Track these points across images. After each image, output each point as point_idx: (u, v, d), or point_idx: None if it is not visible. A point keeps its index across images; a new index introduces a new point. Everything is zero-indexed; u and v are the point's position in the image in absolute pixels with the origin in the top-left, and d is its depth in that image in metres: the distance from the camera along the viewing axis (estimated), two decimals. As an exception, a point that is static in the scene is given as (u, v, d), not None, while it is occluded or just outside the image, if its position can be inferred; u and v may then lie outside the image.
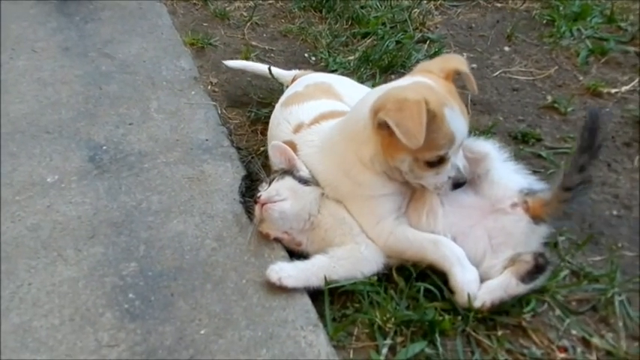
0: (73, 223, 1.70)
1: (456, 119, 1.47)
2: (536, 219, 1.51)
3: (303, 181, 1.65)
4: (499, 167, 1.58)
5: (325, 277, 1.51)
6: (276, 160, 1.72)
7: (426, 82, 1.52)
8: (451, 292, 1.49)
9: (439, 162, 1.49)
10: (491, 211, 1.55)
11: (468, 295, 1.45)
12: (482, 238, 1.53)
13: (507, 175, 1.58)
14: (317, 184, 1.66)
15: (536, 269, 1.46)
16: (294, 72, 2.20)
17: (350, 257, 1.56)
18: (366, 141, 1.54)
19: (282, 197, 1.60)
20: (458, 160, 1.52)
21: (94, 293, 1.50)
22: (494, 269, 1.49)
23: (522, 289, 1.46)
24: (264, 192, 1.62)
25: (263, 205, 1.59)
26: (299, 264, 1.55)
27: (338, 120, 1.70)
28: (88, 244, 1.64)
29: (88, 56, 2.48)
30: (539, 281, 1.48)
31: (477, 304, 1.44)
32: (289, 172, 1.67)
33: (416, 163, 1.50)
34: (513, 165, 1.62)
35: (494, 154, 1.59)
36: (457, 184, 1.53)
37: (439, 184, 1.53)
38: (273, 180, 1.66)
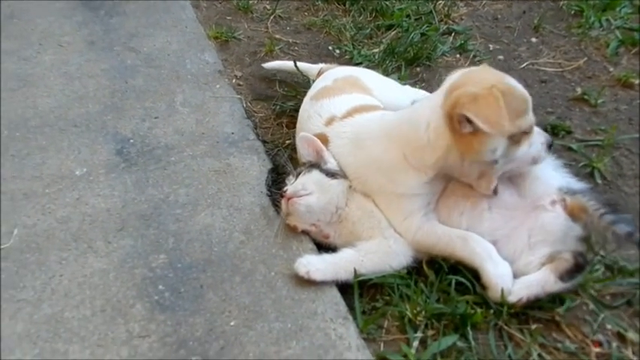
0: (102, 216, 1.71)
1: (516, 82, 1.47)
2: (573, 218, 1.49)
3: (331, 174, 1.64)
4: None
5: (354, 271, 1.50)
6: (304, 152, 1.72)
7: (462, 73, 1.52)
8: (483, 287, 1.48)
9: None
10: (532, 208, 1.53)
11: (502, 291, 1.43)
12: (522, 238, 1.51)
13: (548, 172, 1.57)
14: (344, 176, 1.65)
15: (576, 268, 1.44)
16: (320, 65, 2.19)
17: (378, 251, 1.55)
18: (429, 145, 1.48)
19: (307, 191, 1.59)
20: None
21: (125, 285, 1.51)
22: (530, 266, 1.47)
23: (560, 286, 1.44)
24: (291, 186, 1.62)
25: (289, 199, 1.59)
26: (327, 257, 1.54)
27: (377, 118, 1.68)
28: (117, 236, 1.65)
29: (114, 50, 2.49)
30: (577, 280, 1.46)
31: (512, 299, 1.43)
32: (316, 165, 1.66)
33: (512, 142, 1.44)
34: (553, 162, 1.60)
35: None
36: (550, 145, 1.52)
37: (536, 154, 1.50)
38: (300, 173, 1.65)
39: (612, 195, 1.79)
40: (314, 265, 1.51)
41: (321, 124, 1.76)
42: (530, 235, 1.51)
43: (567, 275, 1.43)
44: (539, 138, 1.50)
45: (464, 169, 1.50)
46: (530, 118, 1.47)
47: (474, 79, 1.46)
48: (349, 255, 1.54)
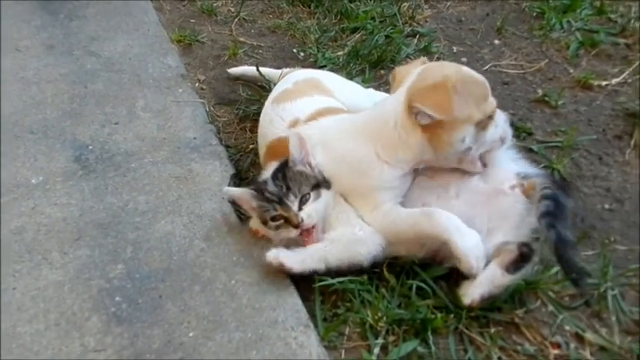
0: (58, 225, 1.67)
1: (472, 71, 1.57)
2: (528, 199, 1.54)
3: (326, 185, 1.58)
4: (502, 154, 1.62)
5: (324, 260, 1.49)
6: (295, 151, 1.57)
7: (422, 68, 1.58)
8: (459, 261, 1.46)
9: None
10: (494, 193, 1.56)
11: (474, 265, 1.44)
12: (483, 222, 1.54)
13: (506, 160, 1.62)
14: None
15: (521, 258, 1.45)
16: (282, 70, 2.18)
17: (343, 238, 1.53)
18: (402, 143, 1.52)
19: (314, 221, 1.53)
20: None
21: (80, 297, 1.48)
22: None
23: (508, 279, 1.44)
24: (305, 216, 1.51)
25: (305, 231, 1.52)
26: (295, 249, 1.52)
27: (344, 119, 1.69)
28: (73, 246, 1.61)
29: (73, 54, 2.44)
30: (525, 271, 1.46)
31: (466, 301, 1.43)
32: (320, 184, 1.57)
33: (479, 127, 1.50)
34: (511, 153, 1.65)
35: None
36: (510, 122, 1.60)
37: (503, 131, 1.56)
38: (304, 198, 1.53)
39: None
40: (284, 252, 1.49)
41: (284, 127, 1.74)
42: (490, 219, 1.53)
43: (513, 266, 1.44)
44: (501, 116, 1.57)
45: (440, 162, 1.56)
46: (492, 100, 1.53)
47: (431, 74, 1.53)
48: (315, 246, 1.52)
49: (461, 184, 1.59)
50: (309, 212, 1.52)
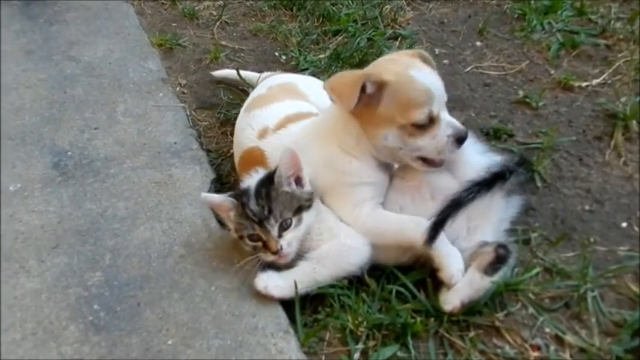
0: (36, 233, 1.66)
1: (427, 76, 1.52)
2: None
3: (308, 205, 1.54)
4: (470, 148, 1.60)
5: (313, 281, 1.48)
6: (284, 170, 1.51)
7: (384, 58, 1.64)
8: (437, 270, 1.47)
9: (430, 122, 1.50)
10: None
11: (453, 277, 1.45)
12: (462, 222, 1.53)
13: (474, 154, 1.61)
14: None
15: (498, 260, 1.45)
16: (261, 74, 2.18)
17: (330, 254, 1.51)
18: (344, 129, 1.56)
19: (292, 249, 1.51)
20: (449, 118, 1.54)
21: (58, 305, 1.46)
22: (465, 254, 1.49)
23: (487, 281, 1.44)
24: (285, 244, 1.48)
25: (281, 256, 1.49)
26: (284, 274, 1.50)
27: (311, 120, 1.68)
28: (51, 254, 1.60)
29: (53, 59, 2.42)
30: (503, 272, 1.47)
31: (447, 308, 1.43)
32: (302, 207, 1.52)
33: (404, 132, 1.50)
34: (479, 147, 1.65)
35: None
36: (460, 139, 1.53)
37: (441, 146, 1.52)
38: (285, 223, 1.49)
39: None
40: (274, 280, 1.48)
41: (254, 137, 1.72)
42: (469, 218, 1.54)
43: (490, 268, 1.44)
44: (445, 131, 1.52)
45: (381, 155, 1.57)
46: (427, 112, 1.49)
47: (373, 67, 1.59)
48: (303, 267, 1.50)
49: (432, 184, 1.58)
50: (290, 240, 1.49)
